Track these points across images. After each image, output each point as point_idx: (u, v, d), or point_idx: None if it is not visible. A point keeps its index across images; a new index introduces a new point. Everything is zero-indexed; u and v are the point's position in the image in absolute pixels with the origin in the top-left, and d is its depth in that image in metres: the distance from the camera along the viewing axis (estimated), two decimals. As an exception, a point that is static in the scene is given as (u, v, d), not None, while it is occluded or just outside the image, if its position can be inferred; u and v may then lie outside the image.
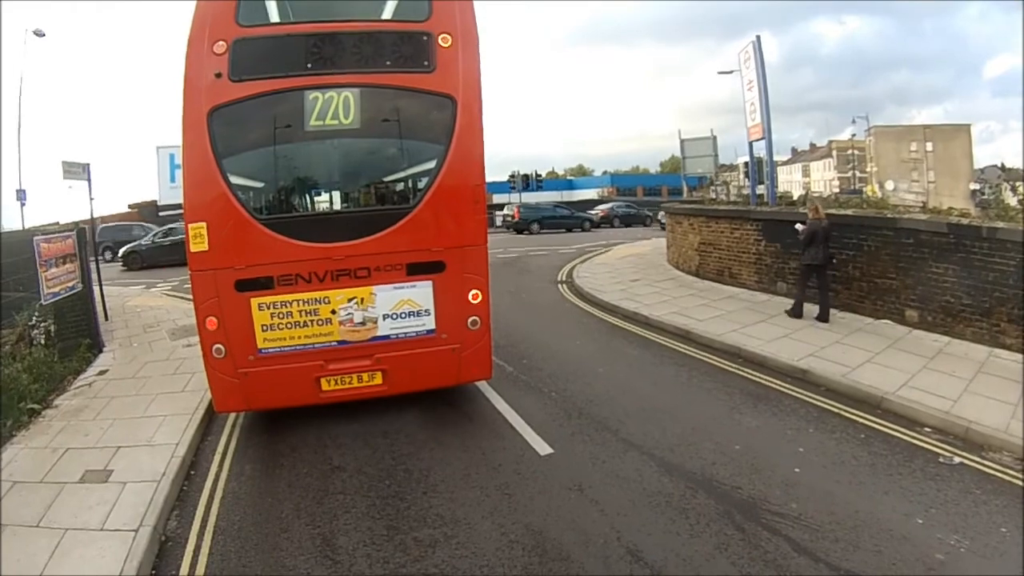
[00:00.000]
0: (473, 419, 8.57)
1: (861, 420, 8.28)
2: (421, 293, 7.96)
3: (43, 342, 10.73)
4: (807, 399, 9.00)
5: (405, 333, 8.02)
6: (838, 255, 13.14)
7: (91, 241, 14.58)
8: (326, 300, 7.69)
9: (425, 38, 7.82)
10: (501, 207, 46.43)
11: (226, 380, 7.68)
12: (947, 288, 11.54)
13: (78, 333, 11.97)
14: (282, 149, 8.02)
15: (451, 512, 6.24)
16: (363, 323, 7.86)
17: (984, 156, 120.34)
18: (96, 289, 14.02)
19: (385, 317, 7.91)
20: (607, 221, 46.14)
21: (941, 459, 7.25)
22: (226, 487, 7.06)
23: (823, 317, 12.59)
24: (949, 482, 6.75)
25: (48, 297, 10.70)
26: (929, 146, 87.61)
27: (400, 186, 8.68)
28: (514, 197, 49.71)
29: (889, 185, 69.89)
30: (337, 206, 8.57)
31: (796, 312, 12.98)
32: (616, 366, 10.71)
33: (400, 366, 8.00)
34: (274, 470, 7.40)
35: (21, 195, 23.40)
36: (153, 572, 5.59)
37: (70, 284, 11.68)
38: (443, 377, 8.42)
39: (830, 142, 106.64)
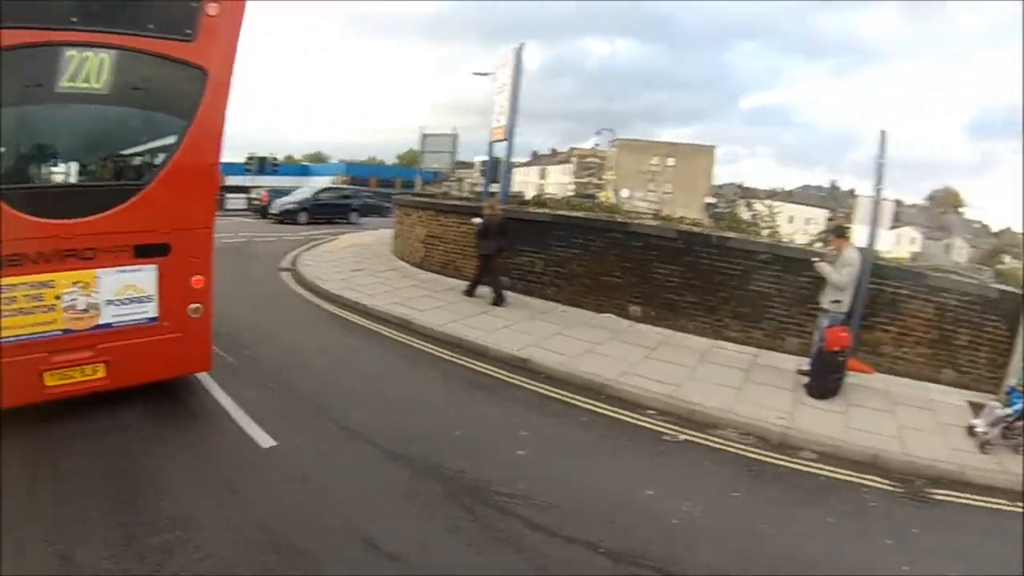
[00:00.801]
0: (196, 414, 8.16)
1: (583, 405, 9.01)
2: (145, 277, 7.62)
3: None
4: (528, 386, 9.63)
5: (127, 321, 7.61)
6: (565, 254, 14.55)
7: None
8: (51, 284, 7.10)
9: (195, 3, 7.48)
10: (247, 189, 44.43)
11: None
12: (672, 287, 13.13)
13: None
14: (24, 111, 7.23)
15: (183, 513, 5.93)
16: (86, 310, 7.34)
17: (726, 175, 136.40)
18: None
19: (108, 303, 7.46)
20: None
21: (666, 437, 8.14)
22: None
23: (498, 301, 14.34)
24: (676, 457, 7.62)
25: None
26: (671, 161, 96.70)
27: (137, 160, 8.18)
28: (247, 180, 47.88)
29: (624, 192, 76.04)
30: (73, 178, 7.86)
31: (469, 292, 14.98)
32: (337, 356, 10.79)
33: (122, 357, 7.58)
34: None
35: None
36: None
37: None
38: (165, 368, 8.13)
39: (572, 149, 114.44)
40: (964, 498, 7.45)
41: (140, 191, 7.52)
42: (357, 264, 19.07)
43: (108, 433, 7.53)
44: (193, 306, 7.95)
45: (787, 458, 7.92)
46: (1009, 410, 8.88)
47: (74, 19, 6.96)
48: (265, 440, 7.37)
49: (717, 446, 7.98)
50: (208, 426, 7.86)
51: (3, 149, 7.29)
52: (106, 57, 7.13)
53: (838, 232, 11.13)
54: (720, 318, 12.60)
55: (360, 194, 46.62)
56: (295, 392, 8.88)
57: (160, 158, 7.76)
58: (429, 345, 11.46)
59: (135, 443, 7.36)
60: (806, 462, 7.92)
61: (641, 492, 6.66)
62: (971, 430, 8.92)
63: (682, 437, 8.11)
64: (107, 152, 8.10)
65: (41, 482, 6.61)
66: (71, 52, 6.98)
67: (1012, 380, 9.59)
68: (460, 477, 6.71)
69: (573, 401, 9.08)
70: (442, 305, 13.92)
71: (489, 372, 10.14)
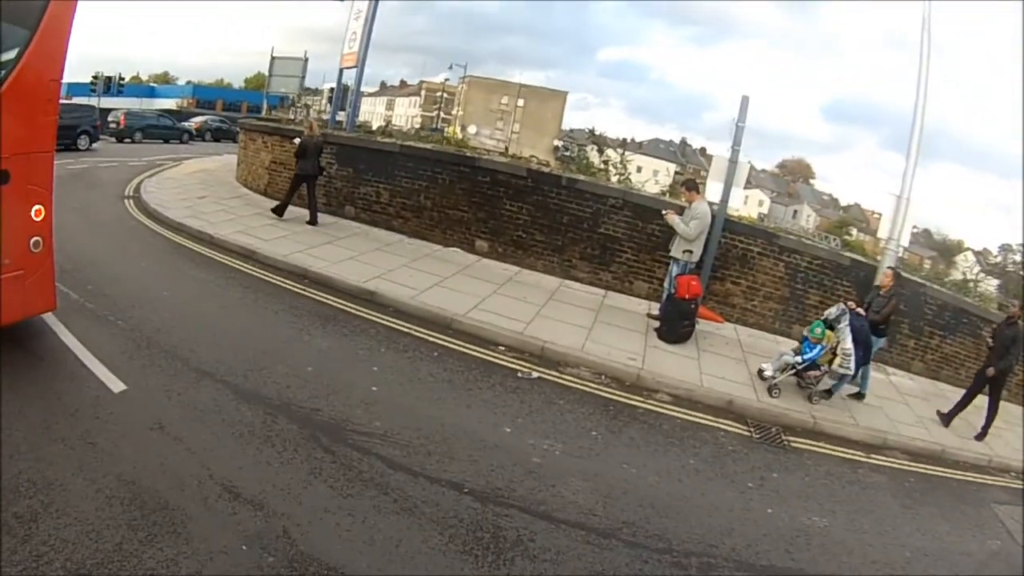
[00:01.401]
0: (44, 358, 7.46)
1: (433, 339, 9.02)
2: None
3: None
4: (377, 320, 9.54)
5: None
6: (411, 186, 14.45)
7: None
8: None
9: None
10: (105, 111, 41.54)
11: None
12: (520, 225, 13.28)
13: None
14: None
15: (42, 475, 5.44)
16: None
17: (577, 121, 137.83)
18: None
19: None
20: (200, 134, 44.80)
21: (520, 374, 8.27)
22: None
23: (312, 221, 14.74)
24: (531, 394, 7.74)
25: None
26: (521, 102, 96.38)
27: None
28: (92, 100, 44.60)
29: (471, 129, 75.87)
30: None
31: (279, 211, 15.05)
32: (182, 289, 10.25)
33: None
34: None
35: None
36: None
37: None
38: (8, 312, 7.15)
39: (421, 82, 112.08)
40: (819, 446, 8.13)
41: None
42: (202, 191, 18.11)
43: None
44: (34, 239, 7.11)
45: (642, 399, 8.27)
46: (798, 358, 9.54)
47: None
48: (116, 384, 6.88)
49: (571, 384, 8.20)
50: (58, 372, 7.20)
51: None
52: None
53: (689, 185, 11.67)
54: (568, 258, 12.90)
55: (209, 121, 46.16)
56: (141, 330, 8.32)
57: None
58: (275, 276, 11.09)
59: None
60: (661, 404, 8.30)
61: (500, 430, 6.78)
62: (760, 374, 9.60)
63: (535, 374, 8.27)
64: None
65: None
66: None
67: (806, 331, 10.00)
68: (315, 416, 6.58)
69: (423, 335, 9.07)
70: (287, 235, 13.46)
71: (337, 304, 9.95)
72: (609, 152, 17.02)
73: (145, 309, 9.03)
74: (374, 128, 23.47)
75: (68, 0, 7.00)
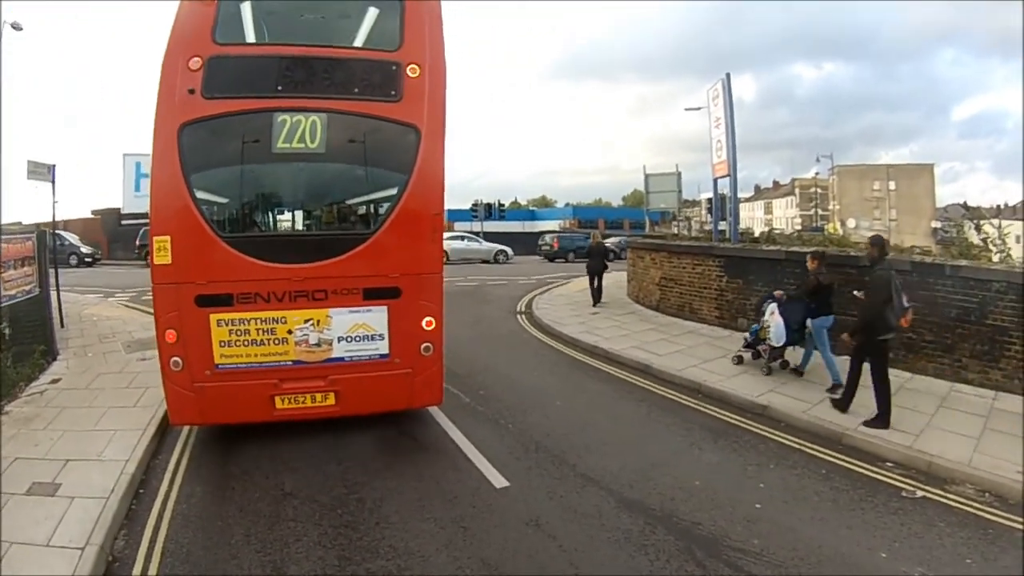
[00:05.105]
0: (428, 449, 8.41)
1: (822, 455, 8.31)
2: (376, 318, 8.04)
3: (-2, 345, 10.40)
4: (767, 435, 9.02)
5: (359, 356, 8.07)
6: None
7: (51, 245, 14.32)
8: (283, 320, 7.78)
9: (394, 67, 8.01)
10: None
11: (182, 393, 7.72)
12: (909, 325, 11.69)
13: (33, 339, 11.58)
14: (248, 168, 8.18)
15: (404, 544, 6.07)
16: (318, 344, 7.93)
17: (947, 195, 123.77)
18: (53, 295, 13.68)
19: (340, 339, 7.98)
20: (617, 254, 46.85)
21: (904, 493, 7.29)
22: (175, 508, 6.83)
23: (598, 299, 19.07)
24: (912, 516, 6.79)
25: (3, 300, 10.46)
26: (892, 185, 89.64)
27: (361, 212, 8.77)
28: (475, 226, 49.84)
29: (851, 223, 71.43)
30: (298, 228, 8.70)
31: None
32: (575, 399, 10.62)
33: (353, 388, 8.06)
34: (225, 493, 7.20)
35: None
36: None
37: (27, 288, 11.55)
38: (395, 401, 8.50)
39: (793, 180, 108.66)
40: None
41: (366, 240, 7.99)
42: (594, 308, 18.98)
43: (335, 461, 8.00)
44: (425, 345, 8.26)
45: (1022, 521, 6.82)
46: (745, 333, 12.06)
47: (280, 87, 7.70)
48: (499, 480, 7.42)
49: (954, 505, 7.04)
50: (441, 462, 8.03)
51: (227, 201, 8.21)
52: (317, 120, 7.75)
53: None
54: (958, 358, 11.19)
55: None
56: (530, 434, 8.87)
57: (384, 209, 8.26)
58: (667, 390, 11.13)
59: (361, 473, 7.70)
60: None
61: (876, 555, 6.02)
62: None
63: (920, 494, 7.25)
64: (329, 205, 8.77)
65: (261, 498, 7.09)
66: (283, 117, 7.67)
67: None
68: (695, 530, 6.37)
69: (812, 451, 8.43)
70: (681, 349, 13.49)
71: (729, 419, 9.63)
72: (986, 227, 14.59)
73: (536, 415, 9.58)
74: (756, 235, 23.07)
75: (435, 148, 8.10)
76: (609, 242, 44.13)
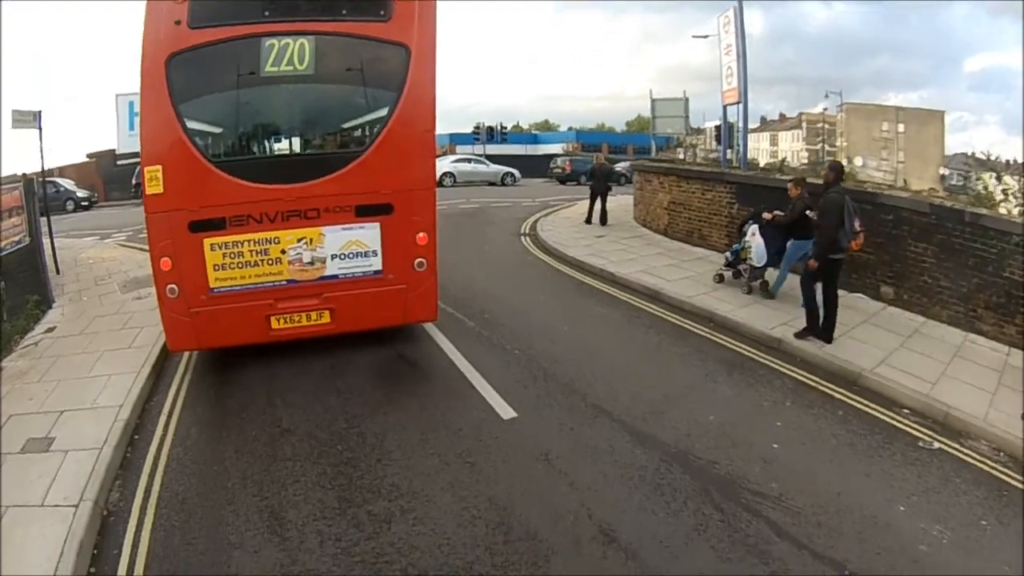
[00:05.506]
0: (431, 378, 8.19)
1: (838, 396, 8.03)
2: (369, 234, 8.14)
3: (-8, 302, 10.21)
4: (783, 370, 8.72)
5: (353, 273, 8.19)
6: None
7: (41, 193, 14.08)
8: (276, 240, 7.84)
9: None
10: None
11: (179, 319, 7.82)
12: (925, 268, 11.39)
13: (26, 290, 11.31)
14: (237, 94, 8.05)
15: (408, 482, 5.85)
16: (312, 263, 8.02)
17: (956, 144, 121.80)
18: (47, 242, 13.54)
19: (333, 257, 8.08)
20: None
21: (921, 443, 7.05)
22: (171, 453, 6.62)
23: (602, 222, 19.04)
24: (929, 468, 6.56)
25: None
26: (901, 127, 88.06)
27: (352, 131, 8.84)
28: (478, 149, 49.24)
29: (858, 161, 70.22)
30: (289, 149, 8.70)
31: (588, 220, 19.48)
32: (582, 325, 10.33)
33: (347, 305, 8.20)
34: (221, 433, 6.99)
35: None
36: (95, 552, 5.15)
37: (16, 239, 11.26)
38: (389, 317, 8.61)
39: (800, 114, 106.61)
40: None
41: (357, 158, 8.01)
42: (600, 231, 18.59)
43: (334, 392, 7.80)
44: (418, 260, 8.34)
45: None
46: (727, 253, 12.39)
47: (267, 12, 7.65)
48: (506, 411, 7.18)
49: (969, 461, 6.78)
50: (445, 391, 7.82)
51: (217, 128, 8.36)
52: (305, 43, 7.72)
53: None
54: (973, 308, 10.81)
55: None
56: (538, 361, 8.61)
57: (375, 128, 8.21)
58: (678, 317, 10.83)
59: (361, 405, 7.49)
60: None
61: (894, 507, 5.77)
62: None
63: (936, 445, 7.00)
64: (320, 125, 8.82)
65: (258, 436, 6.87)
66: (270, 41, 7.64)
67: None
68: (712, 469, 6.15)
69: (828, 390, 8.13)
70: (690, 275, 13.12)
71: (743, 351, 9.33)
72: (1007, 179, 14.27)
73: (543, 341, 9.31)
74: (762, 165, 22.66)
75: (425, 66, 8.08)
76: (619, 166, 43.70)
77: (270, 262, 7.85)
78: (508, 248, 16.92)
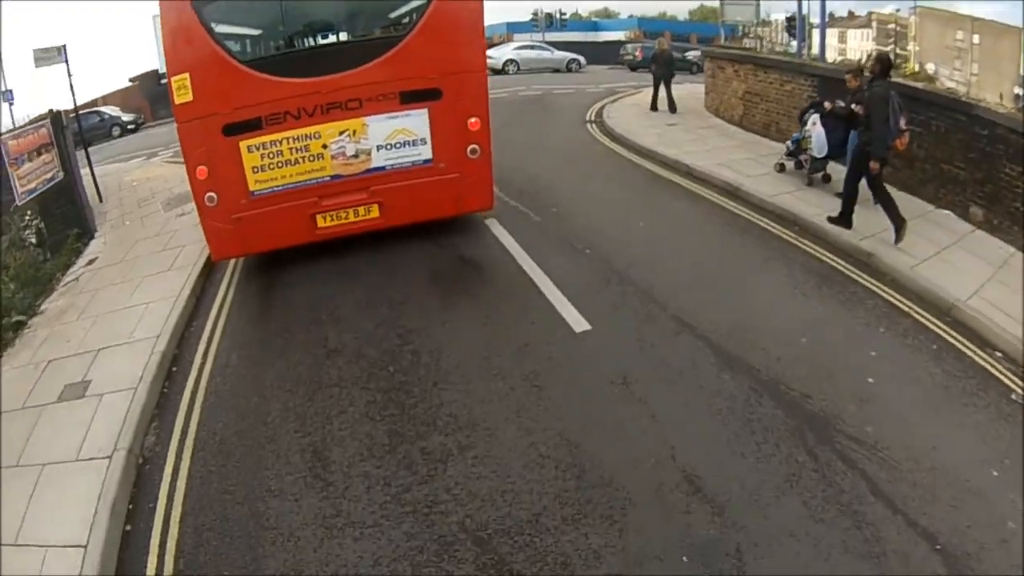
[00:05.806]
0: (495, 283, 7.65)
1: (932, 326, 7.26)
2: (416, 122, 7.78)
3: (34, 242, 10.32)
4: (874, 289, 7.91)
5: (401, 164, 7.89)
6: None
7: (71, 125, 13.64)
8: (317, 135, 7.53)
9: None
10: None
11: (220, 227, 7.67)
12: (1020, 195, 10.10)
13: (66, 224, 11.23)
14: None
15: (467, 412, 5.30)
16: (356, 155, 7.72)
17: None
18: (85, 172, 13.32)
19: (379, 148, 7.76)
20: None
21: (1013, 396, 6.35)
22: (209, 385, 6.27)
23: (671, 110, 17.62)
24: (1018, 426, 5.83)
25: (24, 196, 10.03)
26: (976, 38, 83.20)
27: (392, 13, 8.56)
28: (536, 37, 47.95)
29: (930, 67, 66.94)
30: (323, 39, 8.37)
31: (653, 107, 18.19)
32: (658, 222, 9.64)
33: (397, 198, 7.91)
34: (263, 356, 6.60)
35: (8, 95, 21.27)
36: (130, 507, 4.84)
37: (48, 176, 11.05)
38: (442, 208, 8.32)
39: (870, 13, 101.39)
40: None
41: (400, 42, 7.60)
42: (670, 119, 17.43)
43: (385, 304, 7.22)
44: (471, 147, 7.97)
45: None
46: (788, 142, 11.66)
47: None
48: (579, 323, 6.53)
49: None
50: (509, 300, 7.17)
51: (243, 25, 8.20)
52: None
53: None
54: None
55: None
56: (611, 262, 7.94)
57: (418, 8, 7.82)
58: (760, 217, 9.95)
59: (416, 316, 6.89)
60: None
61: (987, 472, 5.09)
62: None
63: (1028, 398, 6.31)
64: (357, 8, 8.51)
65: (302, 360, 6.35)
66: None
67: None
68: (806, 404, 5.52)
69: (921, 319, 7.32)
70: (770, 172, 12.15)
71: (831, 262, 8.47)
72: None
73: (617, 239, 8.63)
74: (831, 61, 21.53)
75: None
76: (689, 55, 42.16)
77: (311, 158, 7.54)
78: (574, 136, 15.98)
